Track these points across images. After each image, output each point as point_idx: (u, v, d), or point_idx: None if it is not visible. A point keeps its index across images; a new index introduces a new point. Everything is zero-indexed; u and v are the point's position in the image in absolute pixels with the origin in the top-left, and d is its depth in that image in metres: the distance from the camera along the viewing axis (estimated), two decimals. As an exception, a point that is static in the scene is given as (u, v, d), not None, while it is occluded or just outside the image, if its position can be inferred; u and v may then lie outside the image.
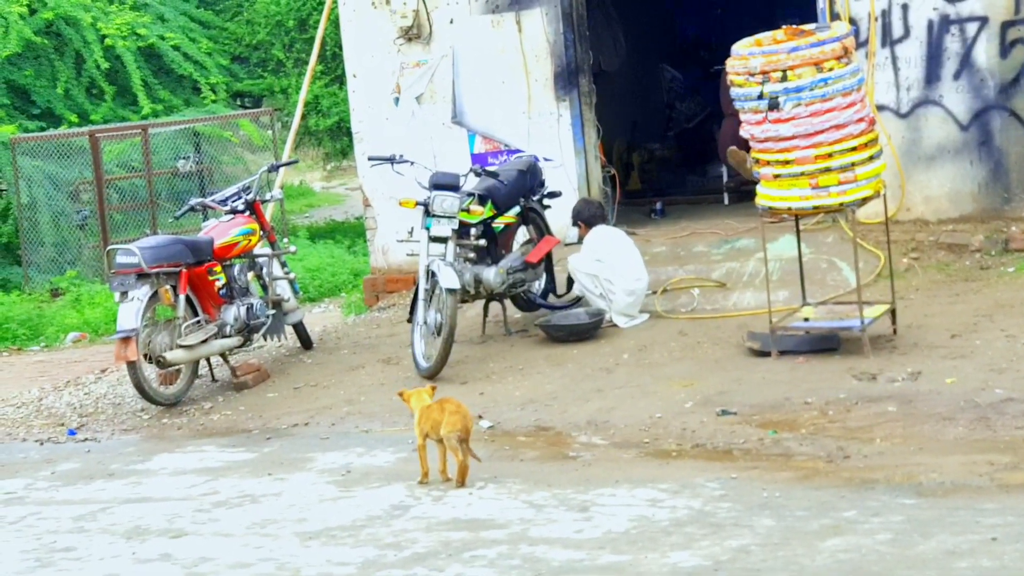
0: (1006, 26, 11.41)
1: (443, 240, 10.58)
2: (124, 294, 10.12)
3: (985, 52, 11.47)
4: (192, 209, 11.52)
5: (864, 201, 9.46)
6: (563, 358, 10.34)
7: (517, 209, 11.30)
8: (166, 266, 10.28)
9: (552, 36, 12.75)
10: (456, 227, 10.59)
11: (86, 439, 10.02)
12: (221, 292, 10.92)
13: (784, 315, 10.05)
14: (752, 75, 9.19)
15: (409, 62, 13.19)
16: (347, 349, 11.64)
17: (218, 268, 10.88)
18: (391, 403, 9.75)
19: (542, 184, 11.58)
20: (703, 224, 12.92)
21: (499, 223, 11.13)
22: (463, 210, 10.67)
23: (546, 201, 11.61)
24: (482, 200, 10.84)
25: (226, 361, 10.93)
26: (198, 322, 10.58)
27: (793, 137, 9.16)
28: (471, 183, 10.99)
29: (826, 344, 9.61)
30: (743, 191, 13.22)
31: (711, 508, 6.87)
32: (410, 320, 10.53)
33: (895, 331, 9.77)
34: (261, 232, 11.32)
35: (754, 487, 7.15)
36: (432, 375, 10.07)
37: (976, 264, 11.21)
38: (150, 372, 10.44)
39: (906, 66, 11.71)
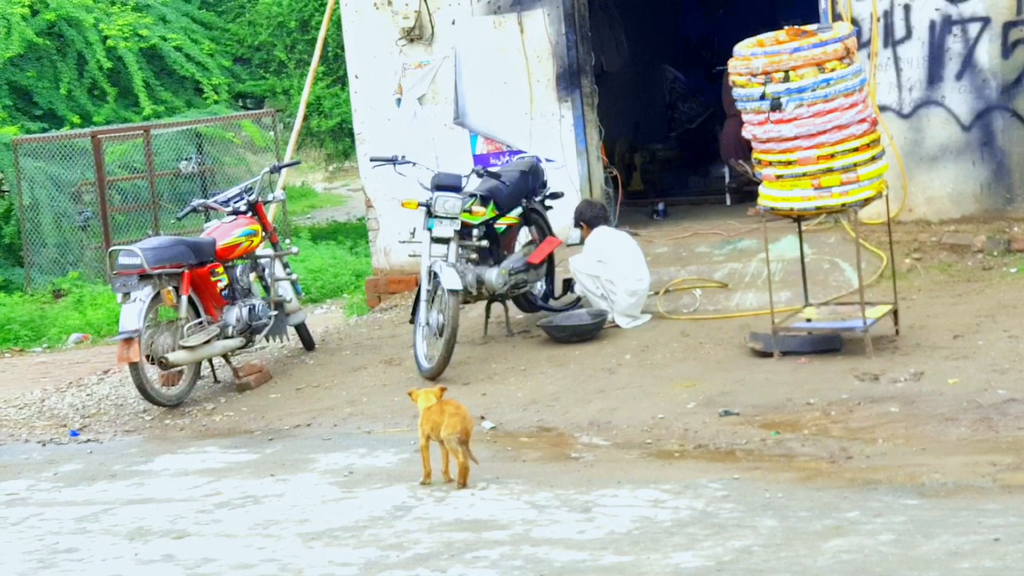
0: (1008, 27, 11.40)
1: (445, 241, 10.58)
2: (126, 295, 10.13)
3: (987, 53, 11.47)
4: (194, 210, 11.52)
5: (866, 202, 9.46)
6: (565, 359, 10.34)
7: (519, 210, 11.30)
8: (168, 267, 10.29)
9: (554, 37, 12.75)
10: (458, 228, 10.59)
11: (88, 440, 10.02)
12: (223, 293, 10.92)
13: (786, 316, 10.04)
14: (754, 76, 9.19)
15: (411, 63, 13.19)
16: (349, 350, 11.64)
17: (220, 269, 10.89)
18: (393, 404, 9.77)
19: (544, 185, 11.59)
20: (705, 225, 12.93)
21: (501, 224, 11.13)
22: (465, 211, 10.68)
23: (548, 202, 11.61)
24: (484, 201, 10.84)
25: (228, 362, 10.94)
26: (200, 323, 10.59)
27: (795, 138, 9.16)
28: (473, 184, 10.99)
29: (828, 345, 9.61)
30: (745, 192, 13.23)
31: (713, 509, 6.87)
32: (412, 321, 10.53)
33: (897, 332, 9.77)
34: (263, 233, 11.33)
35: (756, 488, 7.14)
36: (434, 376, 10.08)
37: (978, 265, 11.21)
38: (152, 373, 10.44)
39: (908, 67, 11.71)
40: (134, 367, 10.08)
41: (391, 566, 6.50)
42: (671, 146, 16.98)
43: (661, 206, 14.19)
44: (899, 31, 11.70)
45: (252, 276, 11.23)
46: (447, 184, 10.73)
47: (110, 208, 18.78)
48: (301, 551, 6.86)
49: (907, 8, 11.64)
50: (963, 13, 11.50)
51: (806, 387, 8.91)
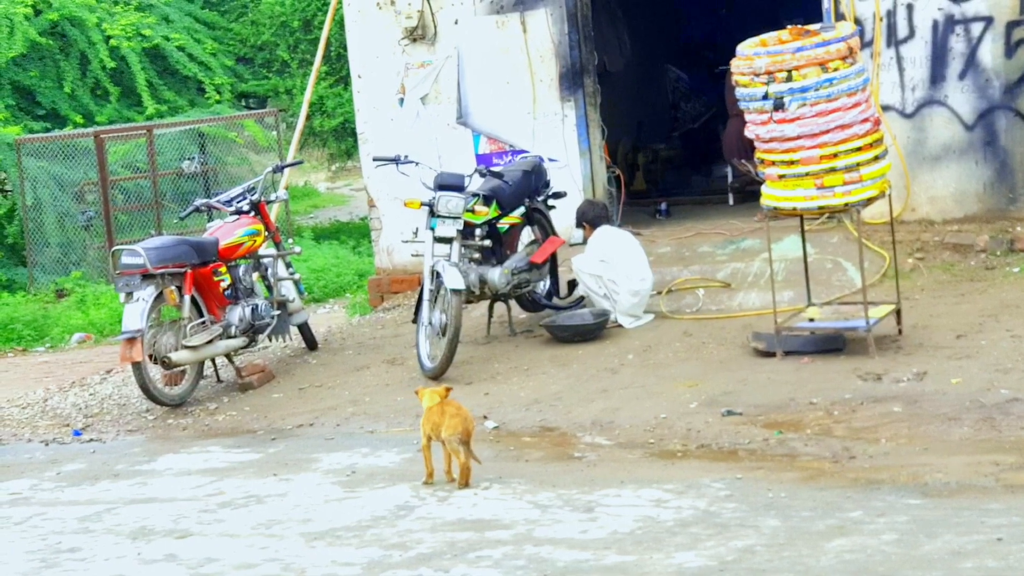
0: (1011, 26, 11.40)
1: (448, 241, 10.59)
2: (129, 295, 10.13)
3: (990, 52, 11.47)
4: (197, 210, 11.52)
5: (869, 201, 9.46)
6: (568, 358, 10.34)
7: (522, 210, 11.30)
8: (171, 267, 10.29)
9: (557, 36, 12.75)
10: (461, 228, 10.60)
11: (91, 440, 10.02)
12: (226, 293, 10.93)
13: (789, 315, 10.04)
14: (757, 75, 9.19)
15: (414, 63, 13.20)
16: (352, 350, 11.64)
17: (223, 269, 10.89)
18: (396, 404, 9.77)
19: (547, 185, 11.59)
20: (708, 224, 12.93)
21: (504, 224, 11.13)
22: (468, 211, 10.68)
23: (551, 202, 11.61)
24: (487, 201, 10.85)
25: (231, 362, 10.94)
26: (203, 323, 10.59)
27: (798, 137, 9.16)
28: (476, 184, 11.00)
29: (831, 344, 9.60)
30: (748, 191, 13.23)
31: (716, 508, 6.87)
32: (415, 321, 10.54)
33: (900, 331, 9.77)
34: (266, 233, 11.33)
35: (759, 487, 7.14)
36: (437, 376, 10.08)
37: (981, 264, 11.20)
38: (155, 373, 10.44)
39: (911, 66, 11.70)
40: (137, 367, 10.08)
41: (394, 566, 6.50)
42: (674, 146, 16.99)
43: (664, 206, 14.19)
44: (902, 30, 11.70)
45: (255, 276, 11.23)
46: (450, 184, 10.73)
47: (113, 208, 18.79)
48: (304, 551, 6.86)
49: (910, 8, 11.64)
50: (966, 13, 11.50)
51: (809, 387, 8.91)
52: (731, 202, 14.27)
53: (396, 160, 11.28)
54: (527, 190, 11.29)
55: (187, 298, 10.40)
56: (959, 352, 9.24)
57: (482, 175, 11.04)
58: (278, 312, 11.19)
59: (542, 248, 11.29)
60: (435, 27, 13.09)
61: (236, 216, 11.21)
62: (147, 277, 10.14)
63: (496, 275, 10.80)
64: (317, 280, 15.92)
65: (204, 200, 11.65)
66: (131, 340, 9.99)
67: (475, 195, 10.80)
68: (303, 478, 8.26)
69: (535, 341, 11.00)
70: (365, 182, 13.81)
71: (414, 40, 13.15)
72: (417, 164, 11.31)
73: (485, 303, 11.31)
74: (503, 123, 12.98)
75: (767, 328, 9.85)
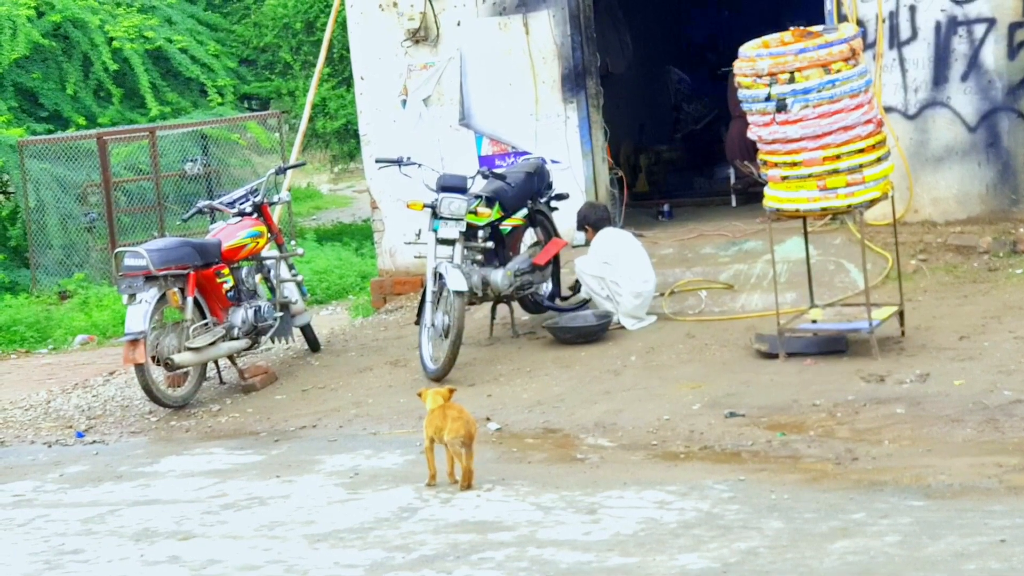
0: (1014, 27, 11.40)
1: (450, 242, 10.59)
2: (132, 296, 10.13)
3: (993, 54, 11.47)
4: (200, 211, 11.53)
5: (872, 203, 9.46)
6: (571, 360, 10.34)
7: (524, 211, 11.31)
8: (174, 268, 10.30)
9: (559, 38, 12.75)
10: (463, 229, 10.60)
11: (94, 441, 10.03)
12: (229, 294, 10.93)
13: (792, 317, 10.04)
14: (759, 77, 9.19)
15: (416, 64, 13.20)
16: (355, 351, 11.64)
17: (226, 270, 10.90)
18: (399, 405, 9.77)
19: (549, 186, 11.59)
20: (710, 226, 12.92)
21: (506, 225, 11.14)
22: (470, 212, 10.68)
23: (553, 203, 11.62)
24: (489, 202, 10.85)
25: (234, 363, 10.95)
26: (206, 324, 10.59)
27: (801, 139, 9.16)
28: (478, 185, 11.00)
29: (834, 346, 9.60)
30: (751, 193, 13.23)
31: (719, 510, 6.87)
32: (418, 322, 10.54)
33: (903, 333, 9.77)
34: (269, 234, 11.34)
35: (762, 489, 7.14)
36: (440, 377, 10.08)
37: (984, 266, 11.20)
38: (158, 374, 10.45)
39: (914, 68, 11.70)
40: (140, 368, 10.09)
41: (397, 567, 6.50)
42: (676, 147, 16.99)
43: (666, 207, 14.19)
44: (905, 32, 11.70)
45: (258, 277, 11.24)
46: (452, 185, 10.74)
47: (116, 209, 18.78)
48: (307, 552, 6.87)
49: (913, 9, 11.64)
50: (969, 14, 11.50)
51: (812, 388, 8.90)
52: (734, 204, 14.27)
53: (399, 162, 11.28)
54: (529, 192, 11.30)
55: (190, 300, 10.41)
56: (962, 354, 9.24)
57: (484, 177, 11.04)
58: (281, 314, 11.19)
59: (545, 250, 11.29)
60: (437, 29, 13.09)
61: (239, 218, 11.22)
62: (150, 279, 10.15)
63: (499, 277, 10.81)
64: (320, 282, 15.93)
65: (207, 202, 11.65)
66: (134, 342, 9.99)
67: (478, 197, 10.81)
68: (306, 480, 8.27)
69: (538, 343, 11.00)
70: (368, 184, 13.82)
71: (416, 42, 13.16)
72: (420, 166, 11.31)
73: (488, 305, 11.31)
74: (505, 125, 12.98)
75: (770, 330, 9.85)
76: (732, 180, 14.48)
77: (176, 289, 10.32)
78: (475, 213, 10.74)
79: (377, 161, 12.00)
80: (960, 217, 11.72)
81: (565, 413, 9.12)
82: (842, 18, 11.68)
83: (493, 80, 12.98)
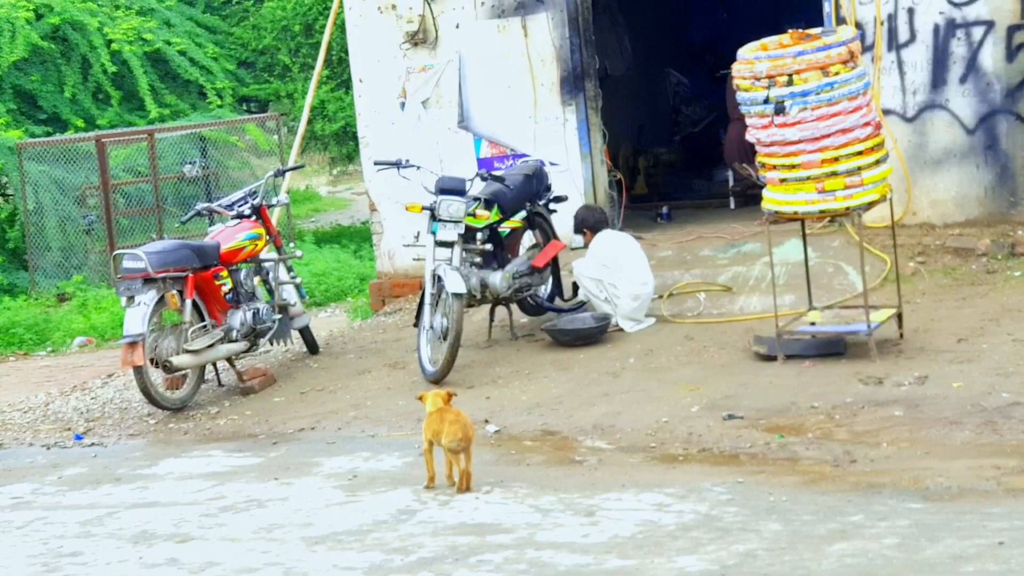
0: (1012, 30, 11.40)
1: (449, 245, 10.59)
2: (131, 299, 10.13)
3: (991, 56, 11.47)
4: (198, 214, 11.53)
5: (870, 205, 9.46)
6: (569, 362, 10.34)
7: (523, 213, 11.31)
8: (172, 271, 10.30)
9: (558, 41, 12.75)
10: (462, 232, 10.60)
11: (93, 444, 10.03)
12: (227, 297, 10.93)
13: (790, 319, 10.04)
14: (758, 79, 9.19)
15: (415, 67, 13.21)
16: (353, 354, 11.64)
17: (224, 273, 10.89)
18: (397, 408, 9.77)
19: (548, 188, 11.59)
20: (709, 228, 12.93)
21: (505, 227, 11.14)
22: (469, 214, 10.68)
23: (552, 205, 11.62)
24: (488, 205, 10.85)
25: (232, 366, 10.94)
26: (204, 327, 10.59)
27: (799, 141, 9.16)
28: (477, 187, 11.00)
29: (832, 348, 9.60)
30: (749, 195, 13.23)
31: (718, 512, 6.87)
32: (416, 324, 10.54)
33: (901, 335, 9.77)
34: (267, 237, 11.34)
35: (761, 491, 7.14)
36: (438, 380, 10.08)
37: (982, 268, 11.20)
38: (156, 377, 10.45)
39: (912, 70, 11.70)
40: (138, 371, 10.09)
41: (395, 570, 6.50)
42: (675, 149, 16.99)
43: (665, 210, 14.19)
44: (903, 35, 11.70)
45: (256, 280, 11.24)
46: (451, 188, 10.74)
47: (114, 212, 18.79)
48: (305, 555, 6.87)
49: (911, 12, 11.65)
50: (967, 16, 11.51)
51: (810, 391, 8.90)
52: (732, 206, 14.27)
53: (397, 164, 11.28)
54: (528, 194, 11.30)
55: (188, 302, 10.41)
56: (960, 356, 9.24)
57: (483, 179, 11.05)
58: (279, 316, 11.19)
59: (543, 252, 11.29)
60: (436, 31, 13.09)
61: (237, 220, 11.22)
62: (148, 281, 10.15)
63: (497, 279, 10.81)
64: (318, 284, 15.93)
65: (205, 204, 11.66)
66: (132, 344, 9.99)
67: (476, 199, 10.81)
68: (304, 482, 8.27)
69: (536, 345, 11.00)
70: (366, 186, 13.82)
71: (415, 44, 13.16)
72: (418, 168, 11.31)
73: (486, 307, 11.31)
74: (504, 127, 12.98)
75: (768, 332, 9.86)
76: (731, 182, 14.48)
77: (175, 291, 10.33)
78: (474, 215, 10.74)
79: (376, 163, 12.01)
80: (958, 219, 11.72)
81: (563, 415, 9.12)
82: (840, 20, 11.68)
83: (492, 82, 12.98)
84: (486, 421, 9.03)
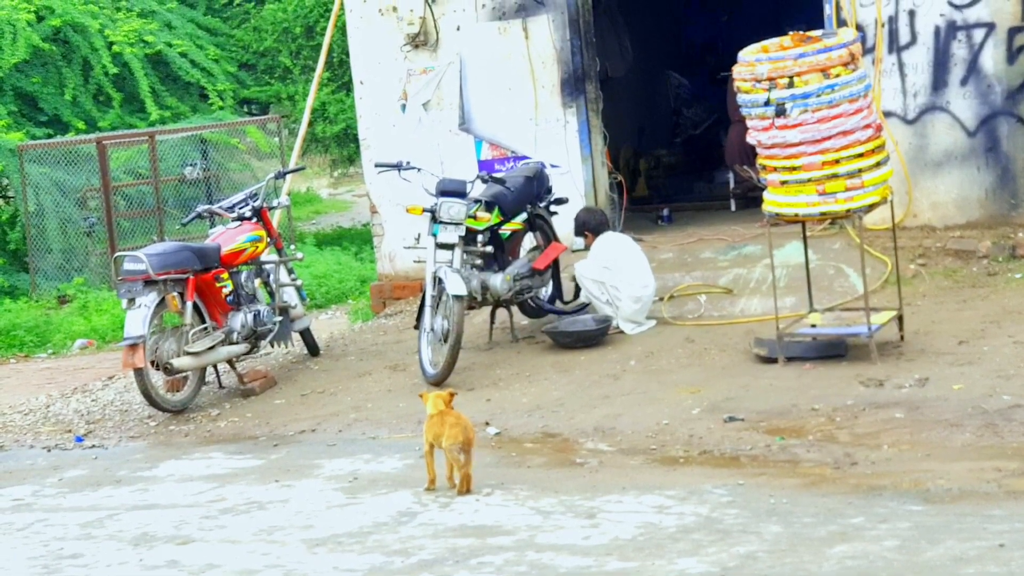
0: (1013, 32, 11.40)
1: (450, 247, 10.59)
2: (131, 301, 10.13)
3: (992, 58, 11.47)
4: (199, 216, 11.54)
5: (871, 207, 9.46)
6: (570, 364, 10.34)
7: (524, 216, 11.31)
8: (173, 273, 10.30)
9: (559, 43, 12.75)
10: (463, 234, 10.60)
11: (93, 446, 10.03)
12: (228, 299, 10.93)
13: (791, 321, 10.04)
14: (759, 81, 9.19)
15: (416, 69, 13.21)
16: (354, 356, 11.64)
17: (225, 275, 10.90)
18: (398, 410, 9.77)
19: (549, 191, 11.59)
20: (710, 230, 12.92)
21: (506, 230, 11.14)
22: (470, 217, 10.68)
23: (553, 207, 11.62)
24: (489, 207, 10.85)
25: (233, 368, 10.94)
26: (205, 329, 10.59)
27: (800, 143, 9.16)
28: (478, 190, 11.00)
29: (833, 350, 9.60)
30: (750, 197, 13.23)
31: (718, 514, 6.86)
32: (417, 327, 10.54)
33: (902, 337, 9.77)
34: (268, 239, 11.34)
35: (761, 493, 7.14)
36: (439, 382, 10.08)
37: (983, 270, 11.20)
38: (157, 379, 10.44)
39: (913, 72, 11.70)
40: (139, 373, 10.09)
41: (395, 572, 6.50)
42: (676, 151, 16.99)
43: (666, 212, 14.19)
44: (904, 37, 11.70)
45: (257, 282, 11.24)
46: (452, 190, 10.74)
47: (115, 214, 18.79)
48: (305, 557, 6.87)
49: (912, 14, 11.65)
50: (968, 19, 11.51)
51: (811, 393, 8.90)
52: (733, 208, 14.27)
53: (398, 166, 11.28)
54: (529, 196, 11.30)
55: (189, 304, 10.41)
56: (961, 358, 9.24)
57: (484, 181, 11.05)
58: (280, 318, 11.19)
59: (544, 254, 11.29)
60: (437, 33, 13.10)
61: (238, 222, 11.22)
62: (149, 283, 10.15)
63: (498, 281, 10.80)
64: (319, 286, 15.93)
65: (206, 206, 11.66)
66: (133, 346, 9.99)
67: (477, 201, 10.81)
68: (305, 484, 8.27)
69: (537, 347, 11.00)
70: (367, 188, 13.82)
71: (416, 46, 13.16)
72: (419, 170, 11.30)
73: (487, 309, 11.31)
74: (505, 129, 12.98)
75: (769, 334, 9.86)
76: (731, 184, 14.48)
77: (175, 293, 10.33)
78: (474, 217, 10.74)
79: (377, 165, 12.01)
80: (959, 222, 11.72)
81: (564, 417, 9.12)
82: (841, 23, 11.68)
83: (493, 85, 12.98)
84: (487, 423, 9.03)
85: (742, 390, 9.17)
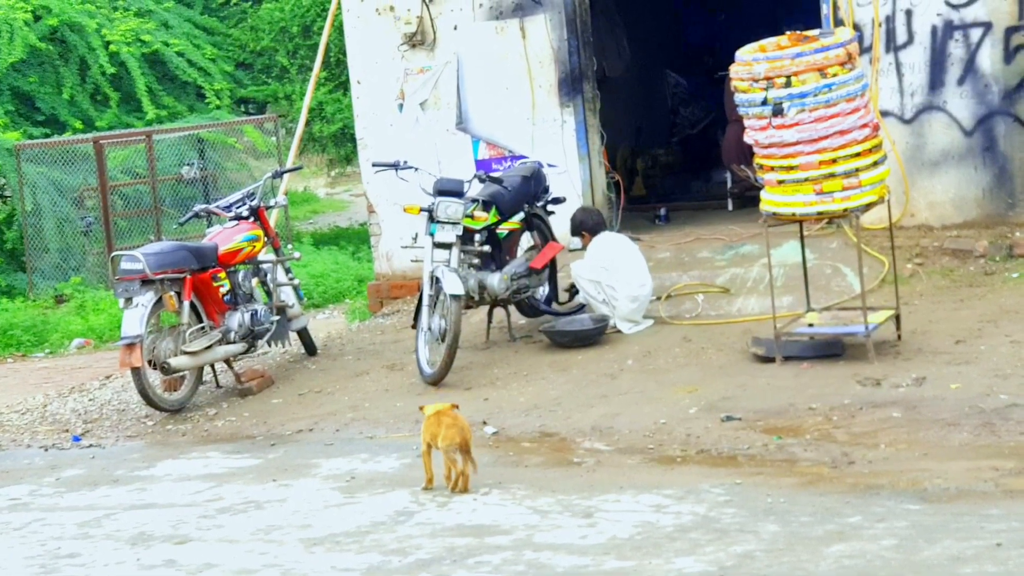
0: (1010, 32, 11.41)
1: (447, 246, 10.59)
2: (128, 300, 10.13)
3: (989, 58, 11.48)
4: (196, 215, 11.53)
5: (868, 207, 9.47)
6: (567, 364, 10.34)
7: (521, 215, 11.31)
8: (170, 272, 10.30)
9: (556, 42, 12.76)
10: (460, 233, 10.60)
11: (91, 445, 10.02)
12: (225, 298, 10.93)
13: (788, 321, 10.04)
14: (756, 81, 9.19)
15: (413, 68, 13.20)
16: (351, 355, 11.64)
17: (222, 274, 10.89)
18: (396, 409, 9.77)
19: (546, 190, 11.59)
20: (707, 230, 12.93)
21: (503, 229, 11.14)
22: (467, 216, 10.68)
23: (550, 207, 11.62)
24: (486, 206, 10.85)
25: (230, 367, 10.94)
26: (202, 328, 10.59)
27: (797, 143, 9.16)
28: (475, 189, 11.00)
29: (830, 350, 9.61)
30: (747, 197, 13.23)
31: (716, 514, 6.87)
32: (414, 326, 10.54)
33: (899, 337, 9.77)
34: (265, 238, 11.34)
35: (759, 493, 7.14)
36: (436, 381, 10.08)
37: (980, 270, 11.21)
38: (154, 378, 10.45)
39: (910, 72, 11.71)
40: (136, 372, 10.09)
41: (393, 571, 6.50)
42: (673, 151, 16.99)
43: (663, 211, 14.19)
44: (901, 36, 11.70)
45: (254, 281, 11.24)
46: (449, 189, 10.74)
47: (112, 213, 18.78)
48: (303, 556, 6.86)
49: (909, 13, 11.65)
50: (965, 18, 11.51)
51: (808, 392, 8.91)
52: (730, 207, 14.27)
53: (395, 165, 11.29)
54: (526, 196, 11.30)
55: (186, 304, 10.41)
56: (958, 357, 9.24)
57: (481, 181, 11.05)
58: (277, 317, 11.19)
59: (541, 254, 11.29)
60: (434, 33, 13.09)
61: (235, 222, 11.22)
62: (146, 283, 10.15)
63: (495, 281, 10.81)
64: (316, 285, 15.92)
65: (203, 206, 11.66)
66: (130, 346, 9.99)
67: (474, 201, 10.81)
68: (302, 484, 8.27)
69: (534, 347, 11.00)
70: (364, 187, 13.82)
71: (413, 46, 13.16)
72: (416, 169, 11.30)
73: (484, 309, 11.31)
74: (502, 129, 12.98)
75: (766, 333, 9.86)
76: (729, 184, 14.48)
77: (172, 293, 10.32)
78: (472, 217, 10.74)
79: (374, 165, 12.01)
80: (956, 221, 11.73)
81: (561, 417, 9.12)
82: (839, 22, 11.69)
83: (490, 84, 12.98)
84: (484, 423, 9.03)
85: (739, 389, 9.17)
